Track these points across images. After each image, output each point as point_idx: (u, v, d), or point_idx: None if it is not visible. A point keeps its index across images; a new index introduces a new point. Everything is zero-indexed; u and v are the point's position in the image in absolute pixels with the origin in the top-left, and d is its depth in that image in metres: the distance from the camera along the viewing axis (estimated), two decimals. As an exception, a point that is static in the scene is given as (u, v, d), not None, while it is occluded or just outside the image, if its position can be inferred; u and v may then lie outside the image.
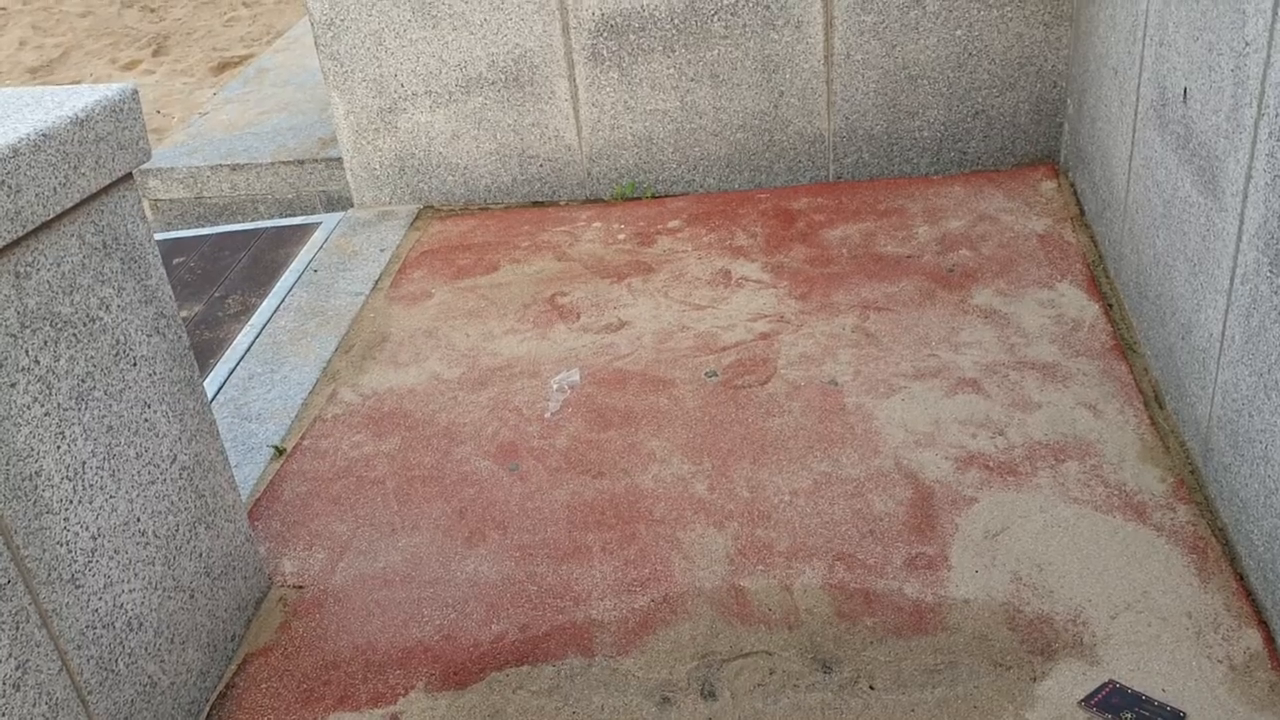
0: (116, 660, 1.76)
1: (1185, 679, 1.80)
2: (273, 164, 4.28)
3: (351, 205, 4.10)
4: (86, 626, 1.69)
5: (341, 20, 3.66)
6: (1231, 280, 2.01)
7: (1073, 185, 3.43)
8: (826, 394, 2.62)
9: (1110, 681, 1.81)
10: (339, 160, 4.19)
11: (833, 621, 2.00)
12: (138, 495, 1.81)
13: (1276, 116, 1.79)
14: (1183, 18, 2.27)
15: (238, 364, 3.05)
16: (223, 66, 6.96)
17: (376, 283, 3.43)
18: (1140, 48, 2.59)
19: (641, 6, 3.55)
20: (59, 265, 1.64)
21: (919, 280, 3.04)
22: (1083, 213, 3.28)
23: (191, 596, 1.96)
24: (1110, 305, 2.82)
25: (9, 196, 1.50)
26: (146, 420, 1.84)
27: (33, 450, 1.58)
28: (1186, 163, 2.25)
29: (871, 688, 1.86)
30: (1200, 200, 2.17)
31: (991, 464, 2.33)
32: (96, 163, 1.68)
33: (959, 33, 3.47)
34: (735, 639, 1.99)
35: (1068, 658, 1.87)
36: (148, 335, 1.85)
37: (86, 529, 1.69)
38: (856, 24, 3.49)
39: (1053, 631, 1.92)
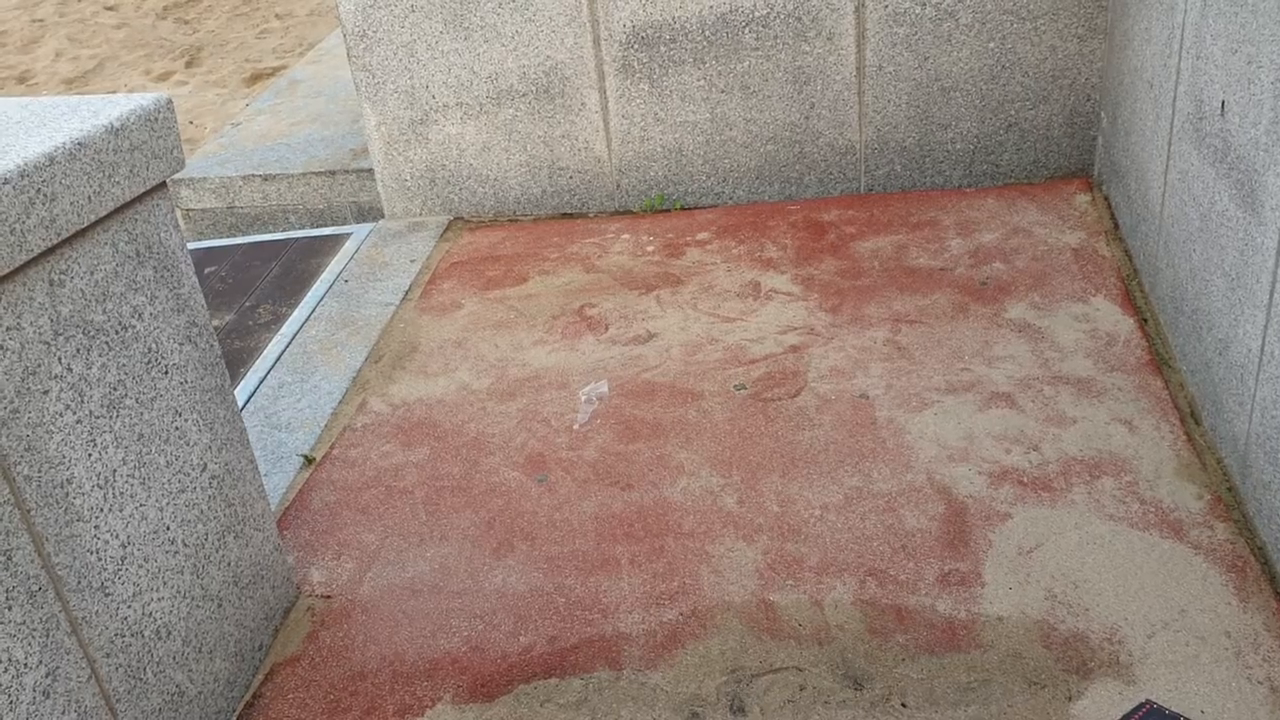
0: (145, 669, 1.76)
1: (1224, 700, 1.77)
2: (304, 174, 4.30)
3: (382, 216, 4.12)
4: (116, 634, 1.69)
5: (374, 32, 3.68)
6: (1271, 295, 1.98)
7: (1107, 199, 3.40)
8: (857, 407, 2.60)
9: (1147, 701, 1.78)
10: (370, 171, 4.21)
11: (864, 638, 1.98)
12: (168, 504, 1.82)
13: (1319, 129, 1.76)
14: (1220, 30, 2.24)
15: (268, 373, 3.06)
16: (255, 78, 7.01)
17: (406, 293, 3.44)
18: (1176, 60, 2.56)
19: (673, 18, 3.54)
20: (92, 273, 1.65)
21: (951, 293, 3.02)
22: (1117, 227, 3.24)
23: (220, 605, 1.96)
24: (1145, 320, 2.79)
25: (44, 204, 1.51)
26: (177, 428, 1.84)
27: (64, 458, 1.58)
28: (1224, 176, 2.22)
29: (904, 705, 1.84)
30: (1238, 214, 2.14)
31: (1025, 479, 2.30)
32: (131, 171, 1.69)
33: (992, 45, 3.45)
34: (765, 654, 1.97)
35: (1104, 677, 1.84)
36: (179, 344, 1.85)
37: (116, 537, 1.69)
38: (889, 36, 3.47)
39: (1088, 650, 1.89)
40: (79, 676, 1.61)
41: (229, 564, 1.99)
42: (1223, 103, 2.23)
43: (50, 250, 1.56)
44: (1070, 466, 2.32)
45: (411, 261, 3.63)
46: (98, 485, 1.65)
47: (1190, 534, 2.11)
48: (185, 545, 1.86)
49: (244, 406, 2.92)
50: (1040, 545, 2.13)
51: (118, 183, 1.66)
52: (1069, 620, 1.96)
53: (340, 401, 2.90)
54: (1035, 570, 2.07)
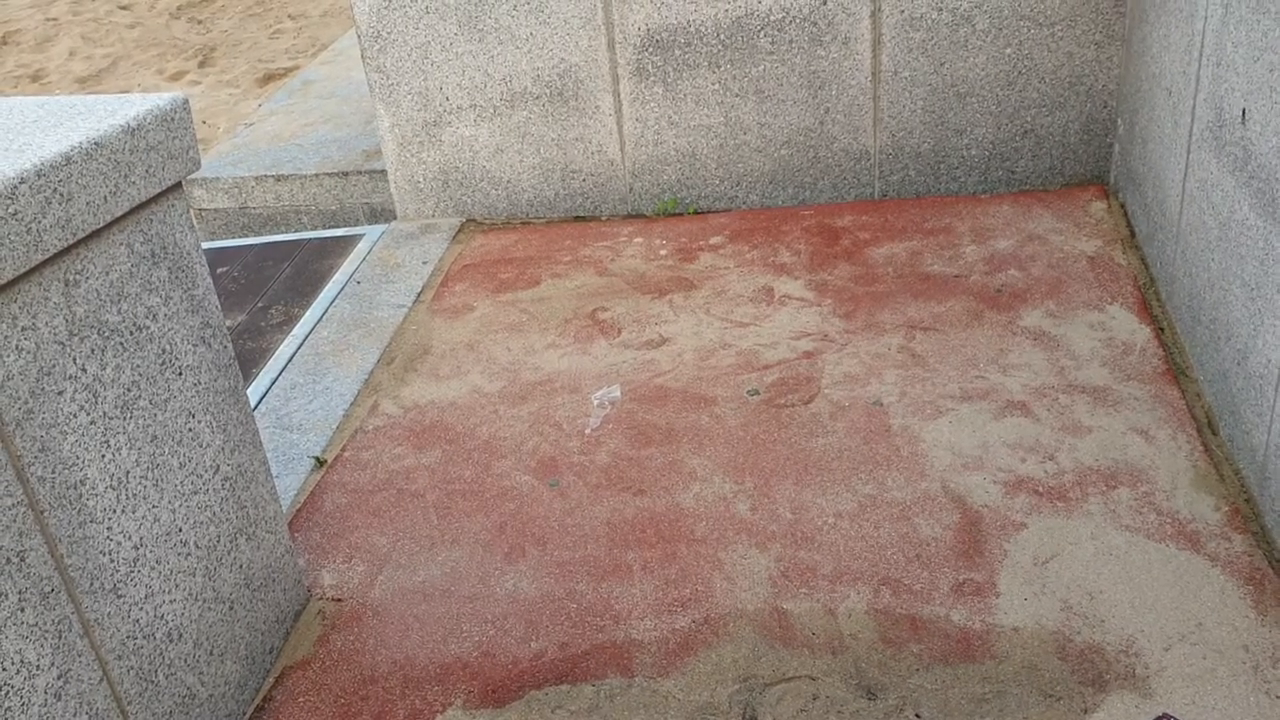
0: (156, 671, 1.75)
1: (1243, 715, 1.75)
2: (317, 175, 4.30)
3: (395, 218, 4.11)
4: (127, 637, 1.68)
5: (388, 33, 3.68)
6: (1292, 305, 1.96)
7: (1123, 206, 3.38)
8: (871, 415, 2.59)
9: (1164, 715, 1.77)
10: (383, 173, 4.20)
11: (878, 647, 1.97)
12: (180, 505, 1.81)
13: (1343, 139, 1.75)
14: (1242, 38, 2.22)
15: (280, 374, 3.06)
16: (268, 78, 7.02)
17: (418, 295, 3.43)
18: (1196, 68, 2.54)
19: (688, 21, 3.53)
20: (108, 274, 1.64)
21: (966, 300, 3.00)
22: (1133, 234, 3.23)
23: (231, 608, 1.96)
24: (1162, 329, 2.77)
25: (60, 204, 1.50)
26: (190, 430, 1.84)
27: (78, 459, 1.58)
28: (1244, 185, 2.21)
29: (918, 716, 1.83)
30: (1259, 223, 2.13)
31: (1041, 489, 2.29)
32: (147, 171, 1.68)
33: (1009, 51, 3.43)
34: (778, 663, 1.96)
35: (1120, 689, 1.82)
36: (193, 345, 1.84)
37: (129, 539, 1.69)
38: (905, 41, 3.46)
39: (1104, 662, 1.88)
40: (91, 679, 1.60)
41: (240, 566, 1.99)
42: (1244, 110, 2.21)
43: (66, 250, 1.56)
44: (1086, 476, 2.31)
45: (424, 263, 3.63)
46: (111, 487, 1.65)
47: (1207, 546, 2.09)
48: (197, 547, 1.86)
49: (256, 407, 2.91)
50: (1056, 555, 2.12)
51: (134, 183, 1.66)
52: (1085, 632, 1.94)
53: (352, 403, 2.90)
54: (1051, 581, 2.06)
